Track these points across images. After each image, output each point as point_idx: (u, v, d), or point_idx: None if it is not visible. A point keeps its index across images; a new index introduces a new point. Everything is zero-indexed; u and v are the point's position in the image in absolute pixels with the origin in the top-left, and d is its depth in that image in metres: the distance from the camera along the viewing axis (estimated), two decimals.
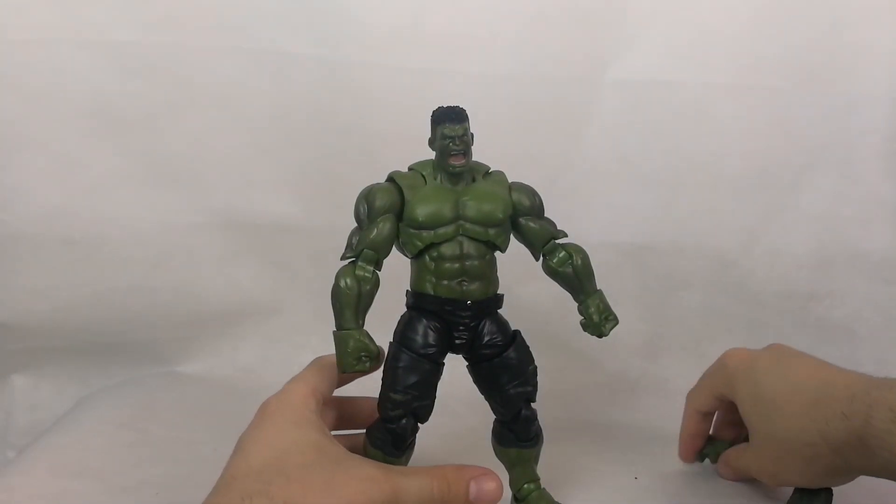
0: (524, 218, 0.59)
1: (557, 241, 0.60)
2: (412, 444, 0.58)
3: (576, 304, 0.60)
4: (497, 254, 0.59)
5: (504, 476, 0.62)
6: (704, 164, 0.93)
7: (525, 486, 0.60)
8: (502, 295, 0.59)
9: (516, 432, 0.59)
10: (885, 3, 0.90)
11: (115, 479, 0.66)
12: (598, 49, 0.90)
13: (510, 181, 0.60)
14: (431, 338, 0.56)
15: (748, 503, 0.65)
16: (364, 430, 0.59)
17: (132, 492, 0.63)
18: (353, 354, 0.54)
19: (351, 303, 0.54)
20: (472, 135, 0.57)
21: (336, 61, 0.87)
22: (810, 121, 0.93)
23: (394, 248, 0.58)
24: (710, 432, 0.71)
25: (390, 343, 0.58)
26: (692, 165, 0.93)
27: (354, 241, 0.57)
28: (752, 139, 0.93)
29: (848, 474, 0.56)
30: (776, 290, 0.95)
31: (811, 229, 0.95)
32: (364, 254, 0.56)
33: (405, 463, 0.59)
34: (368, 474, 0.44)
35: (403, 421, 0.56)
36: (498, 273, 0.59)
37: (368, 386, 0.59)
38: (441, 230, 0.56)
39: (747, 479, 0.67)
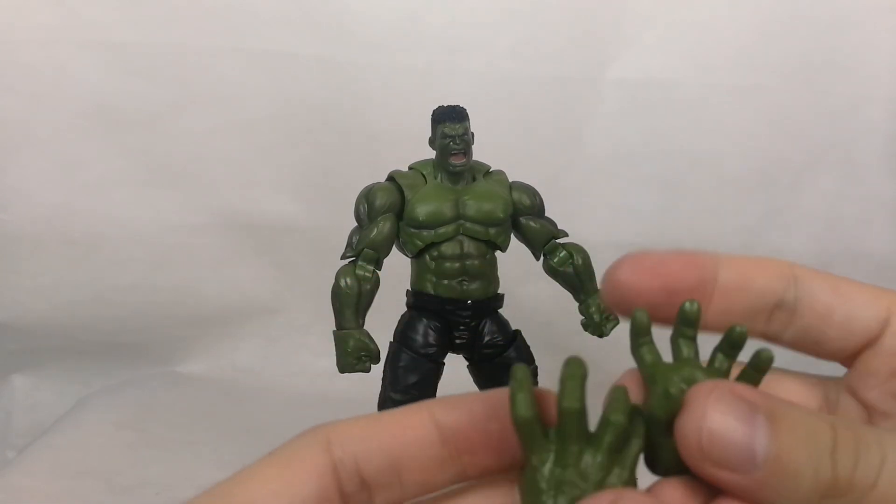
0: (525, 217, 0.59)
1: (558, 241, 0.60)
2: None
3: (576, 304, 0.60)
4: (497, 253, 0.59)
5: None
6: (705, 163, 0.93)
7: None
8: (503, 294, 0.59)
9: None
10: (886, 4, 0.90)
11: (116, 479, 0.66)
12: (598, 49, 0.90)
13: (511, 180, 0.60)
14: (432, 337, 0.56)
15: None
16: None
17: (132, 491, 0.63)
18: (353, 354, 0.54)
19: (351, 302, 0.55)
20: (472, 134, 0.57)
21: (336, 61, 0.87)
22: (811, 121, 0.93)
23: (394, 247, 0.58)
24: None
25: (391, 343, 0.58)
26: (693, 165, 0.93)
27: (355, 240, 0.57)
28: (753, 139, 0.93)
29: None
30: None
31: (812, 229, 0.95)
32: (364, 253, 0.56)
33: None
34: None
35: None
36: (498, 273, 0.59)
37: (369, 385, 0.59)
38: (441, 229, 0.56)
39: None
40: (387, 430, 0.19)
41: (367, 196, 0.57)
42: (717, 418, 0.18)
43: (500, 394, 0.20)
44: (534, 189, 0.60)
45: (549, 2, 0.88)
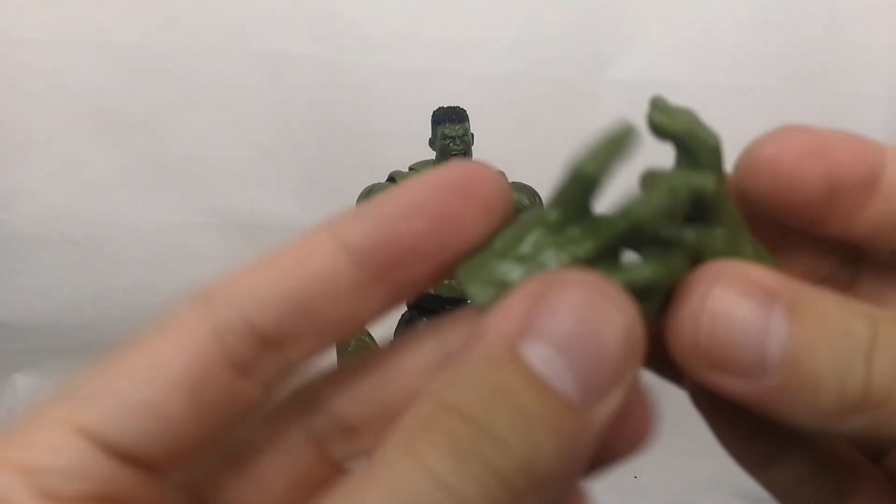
0: None
1: None
2: None
3: None
4: None
5: None
6: None
7: None
8: None
9: None
10: (885, 3, 0.91)
11: None
12: (597, 49, 0.90)
13: (510, 181, 0.60)
14: None
15: (748, 502, 0.65)
16: None
17: None
18: (353, 354, 0.54)
19: None
20: (472, 135, 0.57)
21: (337, 62, 0.88)
22: (810, 121, 0.92)
23: None
24: None
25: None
26: None
27: None
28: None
29: None
30: None
31: None
32: None
33: None
34: None
35: None
36: None
37: None
38: None
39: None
40: (279, 272, 0.15)
41: (368, 196, 0.57)
42: (722, 303, 0.14)
43: (412, 183, 0.16)
44: (534, 189, 0.60)
45: (548, 3, 0.89)
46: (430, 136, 0.58)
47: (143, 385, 0.14)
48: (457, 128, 0.56)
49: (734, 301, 0.14)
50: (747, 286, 0.14)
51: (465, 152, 0.57)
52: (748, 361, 0.14)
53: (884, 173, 0.16)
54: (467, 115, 0.57)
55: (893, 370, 0.13)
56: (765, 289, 0.14)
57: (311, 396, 0.17)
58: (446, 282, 0.56)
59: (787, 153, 0.17)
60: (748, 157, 0.17)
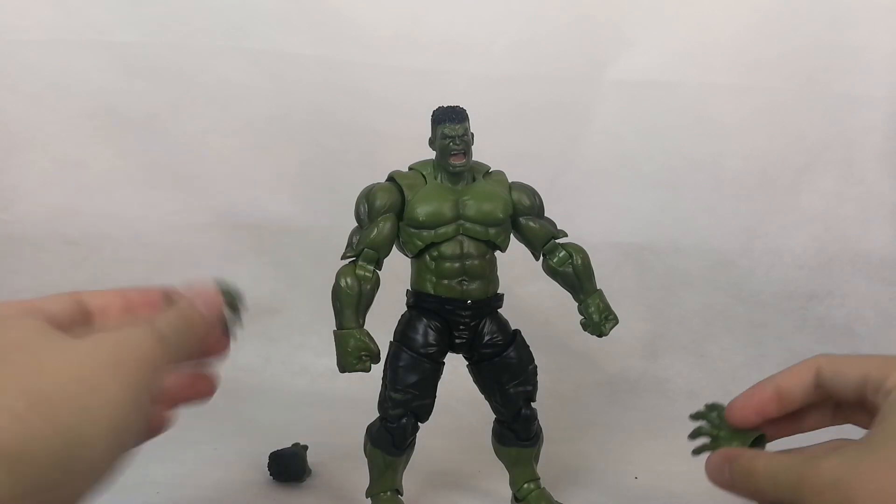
0: (524, 217, 0.59)
1: (557, 241, 0.60)
2: (412, 443, 0.58)
3: (576, 304, 0.60)
4: (497, 253, 0.59)
5: (504, 477, 0.62)
6: (704, 164, 0.93)
7: (525, 485, 0.60)
8: (502, 294, 0.59)
9: (516, 432, 0.59)
10: (886, 4, 0.91)
11: (116, 478, 0.66)
12: (598, 49, 0.90)
13: (510, 181, 0.60)
14: (432, 337, 0.57)
15: None
16: None
17: (133, 490, 0.63)
18: (353, 354, 0.54)
19: (351, 302, 0.55)
20: (472, 134, 0.57)
21: (336, 62, 0.88)
22: (810, 121, 0.93)
23: (394, 247, 0.58)
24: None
25: (391, 342, 0.58)
26: (692, 165, 0.93)
27: (355, 240, 0.57)
28: (753, 139, 0.93)
29: None
30: (776, 290, 0.95)
31: (811, 229, 0.95)
32: (364, 253, 0.56)
33: (405, 463, 0.59)
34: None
35: (403, 420, 0.56)
36: (498, 273, 0.59)
37: (369, 384, 0.59)
38: (441, 229, 0.56)
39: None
40: None
41: (368, 196, 0.57)
42: (711, 463, 0.36)
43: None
44: (533, 189, 0.60)
45: (548, 3, 0.89)
46: (429, 135, 0.58)
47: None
48: (457, 127, 0.56)
49: (717, 463, 0.36)
50: (723, 457, 0.36)
51: (465, 152, 0.57)
52: (724, 483, 0.35)
53: (779, 389, 0.36)
54: (467, 115, 0.57)
55: (752, 484, 0.34)
56: (728, 456, 0.35)
57: None
58: (446, 282, 0.56)
59: (739, 411, 0.37)
60: (730, 414, 0.38)
